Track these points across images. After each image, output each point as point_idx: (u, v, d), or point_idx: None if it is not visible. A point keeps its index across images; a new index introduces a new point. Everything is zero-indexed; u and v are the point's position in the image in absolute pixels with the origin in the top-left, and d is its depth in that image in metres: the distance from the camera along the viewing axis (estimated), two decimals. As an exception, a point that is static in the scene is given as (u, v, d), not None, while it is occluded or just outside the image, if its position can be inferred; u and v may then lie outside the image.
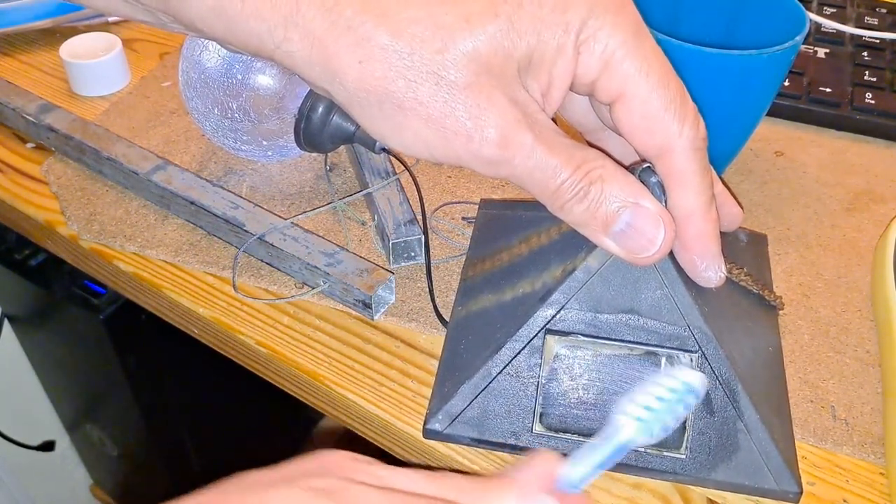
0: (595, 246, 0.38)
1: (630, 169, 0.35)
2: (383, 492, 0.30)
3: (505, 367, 0.41)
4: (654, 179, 0.35)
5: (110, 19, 0.73)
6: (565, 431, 0.41)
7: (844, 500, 0.41)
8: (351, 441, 0.46)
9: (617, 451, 0.31)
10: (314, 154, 0.59)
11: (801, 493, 0.40)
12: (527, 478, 0.31)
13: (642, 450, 0.40)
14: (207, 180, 0.55)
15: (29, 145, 0.61)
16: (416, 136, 0.32)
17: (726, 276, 0.39)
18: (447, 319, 0.47)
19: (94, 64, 0.65)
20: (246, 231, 0.51)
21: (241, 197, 0.54)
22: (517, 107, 0.32)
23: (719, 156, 0.53)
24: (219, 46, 0.54)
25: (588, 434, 0.41)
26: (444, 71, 0.31)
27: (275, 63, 0.33)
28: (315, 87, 0.34)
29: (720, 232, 0.38)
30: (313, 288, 0.50)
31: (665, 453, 0.40)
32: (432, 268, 0.51)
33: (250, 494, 0.29)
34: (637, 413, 0.31)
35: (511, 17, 0.31)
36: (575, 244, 0.39)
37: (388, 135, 0.33)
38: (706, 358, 0.39)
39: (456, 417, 0.41)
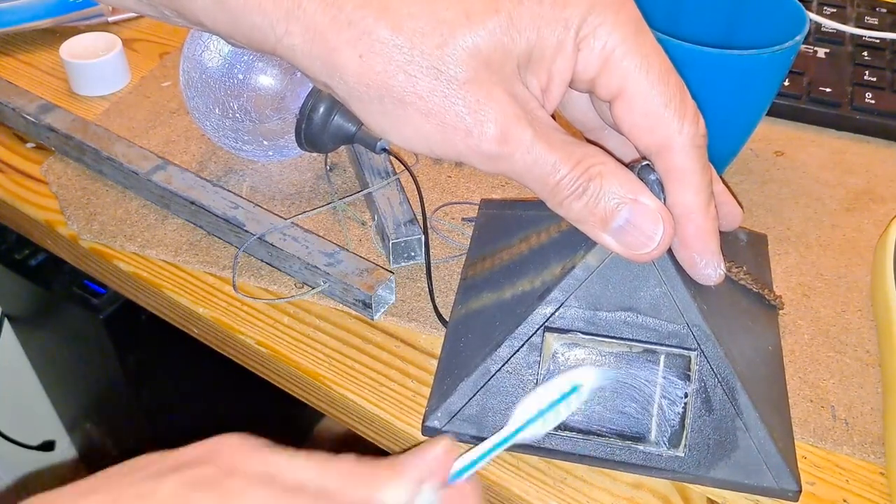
0: (594, 244, 0.38)
1: (629, 166, 0.36)
2: (267, 485, 0.29)
3: (504, 365, 0.41)
4: (653, 177, 0.35)
5: (110, 19, 0.73)
6: (563, 429, 0.41)
7: (844, 500, 0.41)
8: (351, 441, 0.46)
9: (506, 440, 0.33)
10: (314, 154, 0.59)
11: (800, 491, 0.40)
12: (418, 464, 0.30)
13: (641, 448, 0.40)
14: (207, 180, 0.55)
15: (29, 145, 0.61)
16: (415, 130, 0.32)
17: (726, 275, 0.39)
18: (447, 319, 0.47)
19: (94, 64, 0.65)
20: (246, 231, 0.51)
21: (241, 197, 0.54)
22: (517, 102, 0.32)
23: (719, 156, 0.53)
24: (220, 46, 0.54)
25: (586, 431, 0.41)
26: (444, 66, 0.31)
27: (276, 57, 0.33)
28: (316, 82, 0.34)
29: (720, 231, 0.38)
30: (313, 288, 0.50)
31: (664, 452, 0.40)
32: (432, 268, 0.51)
33: (133, 485, 0.29)
34: (527, 410, 0.33)
35: (511, 13, 0.31)
36: (574, 242, 0.39)
37: (387, 129, 0.33)
38: (705, 356, 0.39)
39: (455, 415, 0.41)
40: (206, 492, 0.28)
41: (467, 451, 0.32)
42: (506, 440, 0.33)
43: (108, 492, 0.29)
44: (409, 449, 0.43)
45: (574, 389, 0.33)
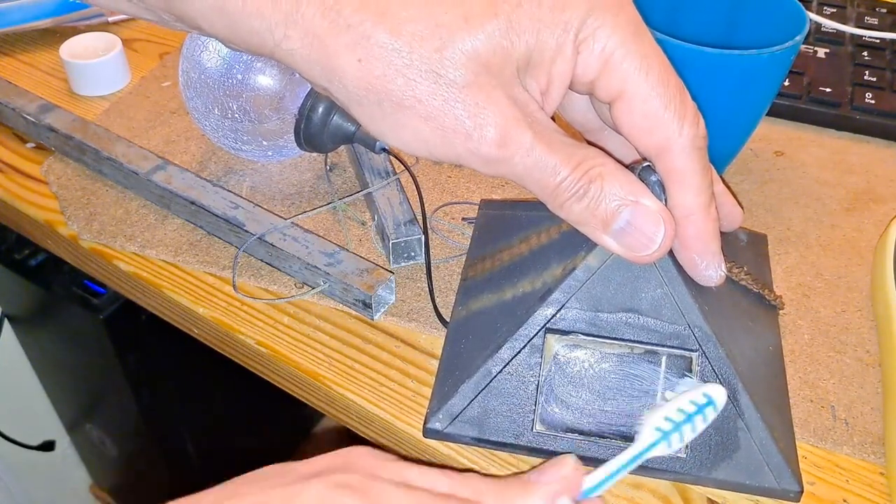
0: (595, 245, 0.38)
1: (630, 168, 0.36)
2: (409, 490, 0.30)
3: (505, 367, 0.41)
4: (653, 178, 0.35)
5: (110, 19, 0.73)
6: (566, 430, 0.41)
7: (844, 500, 0.41)
8: (351, 441, 0.46)
9: (635, 458, 0.32)
10: (314, 154, 0.59)
11: (802, 491, 0.40)
12: (549, 480, 0.31)
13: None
14: (207, 180, 0.55)
15: (29, 145, 0.61)
16: (415, 134, 0.32)
17: (726, 276, 0.39)
18: (447, 319, 0.47)
19: (94, 64, 0.65)
20: (246, 231, 0.51)
21: (241, 197, 0.54)
22: (516, 105, 0.32)
23: (719, 156, 0.53)
24: (219, 46, 0.54)
25: (588, 433, 0.41)
26: (443, 69, 0.31)
27: (275, 61, 0.33)
28: (315, 86, 0.34)
29: (720, 231, 0.38)
30: (313, 288, 0.50)
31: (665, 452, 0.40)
32: (432, 268, 0.51)
33: (277, 487, 0.30)
34: (657, 424, 0.32)
35: (510, 16, 0.31)
36: (575, 243, 0.39)
37: (387, 133, 0.33)
38: (706, 357, 0.39)
39: (456, 417, 0.41)
40: (351, 495, 0.29)
41: (595, 469, 0.32)
42: (638, 456, 0.32)
43: (252, 495, 0.29)
44: (407, 449, 0.43)
45: (710, 403, 0.32)
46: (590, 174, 0.33)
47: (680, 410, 0.32)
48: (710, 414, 0.32)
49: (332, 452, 0.32)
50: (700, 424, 0.32)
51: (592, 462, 0.41)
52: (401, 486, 0.30)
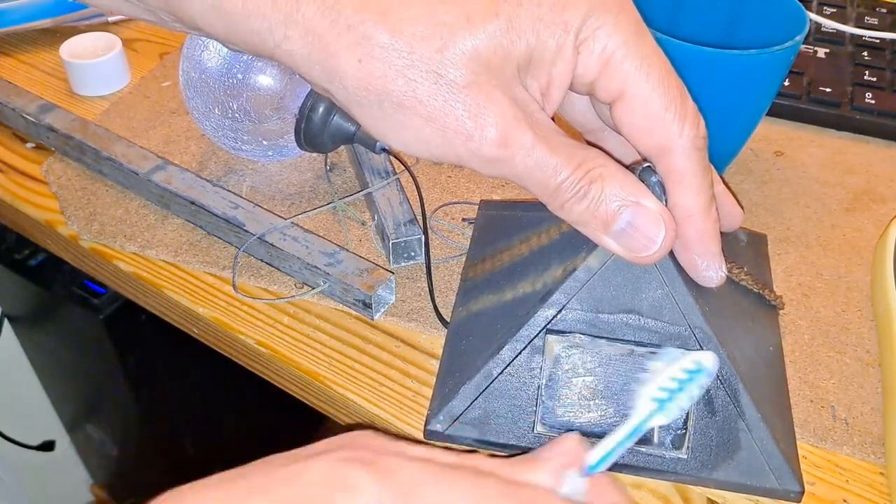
0: (595, 245, 0.37)
1: (630, 168, 0.36)
2: (418, 461, 0.30)
3: (506, 368, 0.40)
4: (654, 179, 0.35)
5: (110, 19, 0.73)
6: (567, 431, 0.41)
7: (844, 500, 0.41)
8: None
9: (636, 431, 0.32)
10: (314, 154, 0.59)
11: (803, 492, 0.40)
12: (555, 456, 0.31)
13: (644, 450, 0.40)
14: (207, 180, 0.55)
15: (29, 145, 0.61)
16: (416, 134, 0.32)
17: (727, 276, 0.39)
18: (447, 319, 0.47)
19: (94, 64, 0.65)
20: (246, 231, 0.51)
21: (241, 197, 0.54)
22: (517, 106, 0.32)
23: (719, 156, 0.52)
24: (220, 46, 0.54)
25: (590, 434, 0.41)
26: (444, 70, 0.31)
27: (275, 62, 0.33)
28: (315, 86, 0.34)
29: (720, 232, 0.38)
30: (313, 288, 0.50)
31: (666, 453, 0.40)
32: (432, 268, 0.51)
33: (281, 468, 0.29)
34: (654, 395, 0.32)
35: (511, 16, 0.31)
36: (575, 244, 0.39)
37: (388, 134, 0.33)
38: (707, 357, 0.39)
39: (457, 418, 0.41)
40: (361, 468, 0.29)
41: (597, 444, 0.32)
42: (639, 428, 0.32)
43: (256, 476, 0.29)
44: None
45: (700, 370, 0.32)
46: (590, 175, 0.33)
47: (673, 379, 0.32)
48: (704, 380, 0.32)
49: (339, 435, 0.32)
50: (696, 391, 0.32)
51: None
52: (410, 459, 0.30)
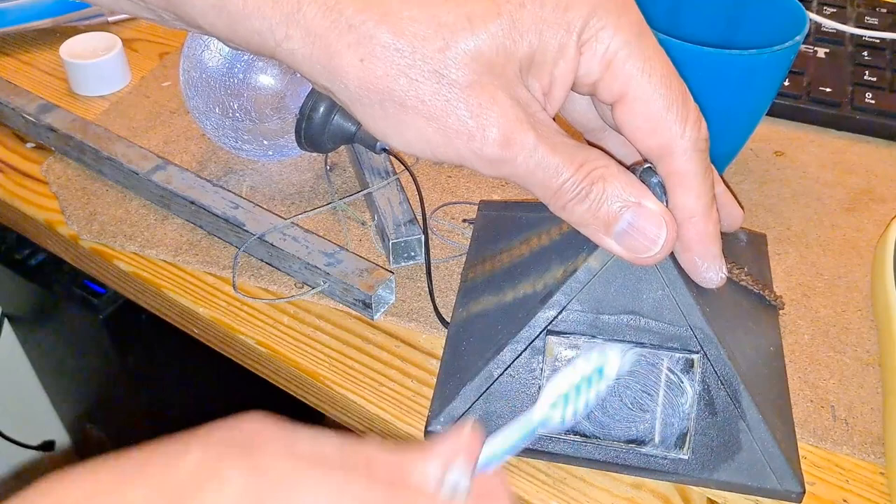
0: (596, 246, 0.37)
1: (631, 169, 0.35)
2: (302, 459, 0.28)
3: (506, 369, 0.40)
4: (655, 180, 0.35)
5: (110, 19, 0.73)
6: (567, 432, 0.41)
7: (844, 500, 0.41)
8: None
9: (533, 429, 0.31)
10: (314, 154, 0.59)
11: (804, 492, 0.40)
12: (443, 446, 0.30)
13: (647, 451, 0.40)
14: (207, 180, 0.55)
15: (29, 145, 0.61)
16: (417, 134, 0.32)
17: (727, 277, 0.39)
18: (447, 319, 0.47)
19: (94, 64, 0.65)
20: (246, 231, 0.51)
21: (241, 197, 0.54)
22: (519, 106, 0.32)
23: (719, 155, 0.52)
24: (220, 45, 0.54)
25: (590, 435, 0.41)
26: (446, 69, 0.31)
27: (277, 61, 0.33)
28: (316, 86, 0.34)
29: (720, 232, 0.38)
30: (313, 288, 0.50)
31: (667, 454, 0.40)
32: (432, 268, 0.51)
33: (173, 448, 0.29)
34: (555, 392, 0.31)
35: (513, 16, 0.31)
36: (576, 245, 0.39)
37: (389, 133, 0.33)
38: (708, 358, 0.39)
39: (457, 419, 0.41)
40: (236, 458, 0.28)
41: (489, 438, 0.31)
42: (536, 428, 0.31)
43: (137, 460, 0.29)
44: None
45: (599, 371, 0.31)
46: (592, 175, 0.33)
47: (578, 375, 0.31)
48: (602, 385, 0.32)
49: (234, 417, 0.31)
50: (592, 397, 0.32)
51: (594, 464, 0.41)
52: (292, 454, 0.28)
